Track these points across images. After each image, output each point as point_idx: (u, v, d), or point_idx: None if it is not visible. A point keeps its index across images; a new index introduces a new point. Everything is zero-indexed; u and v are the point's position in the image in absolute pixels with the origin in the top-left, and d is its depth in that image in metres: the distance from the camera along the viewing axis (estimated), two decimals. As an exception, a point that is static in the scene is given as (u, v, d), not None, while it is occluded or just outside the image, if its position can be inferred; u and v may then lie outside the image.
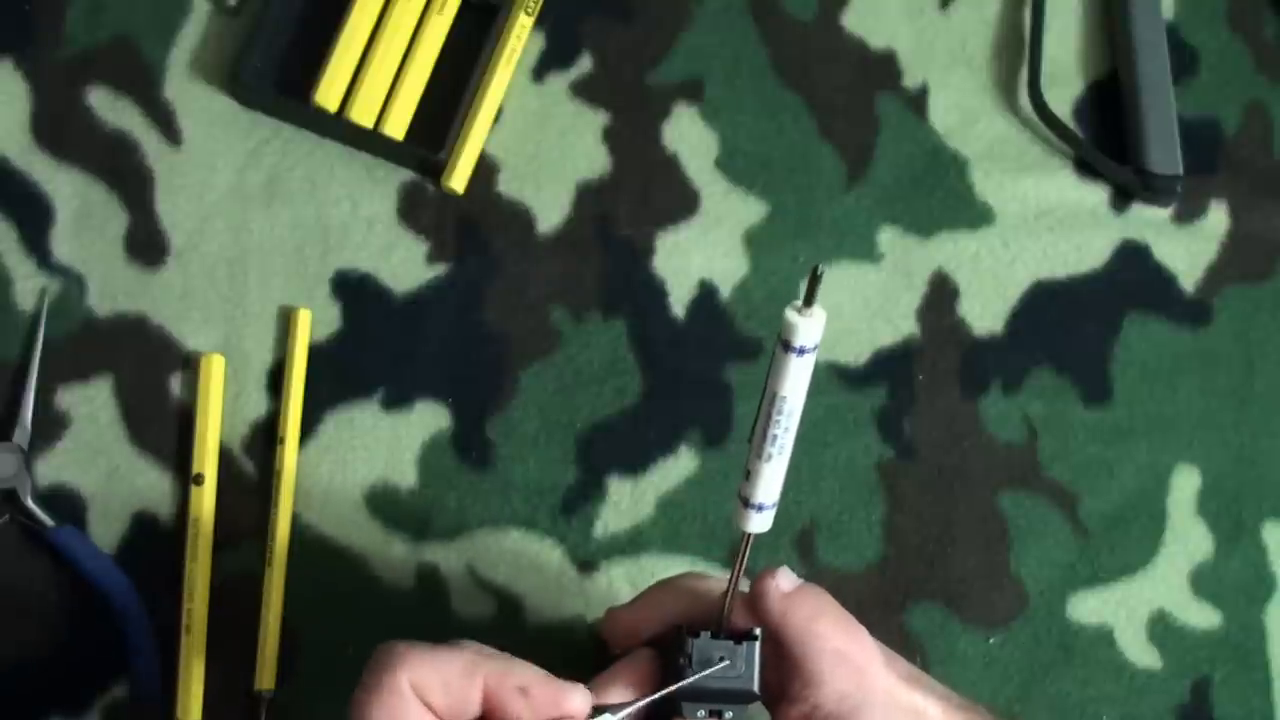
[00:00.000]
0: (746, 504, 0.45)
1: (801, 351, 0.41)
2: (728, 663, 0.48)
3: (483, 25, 0.64)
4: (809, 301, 0.41)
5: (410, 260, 0.63)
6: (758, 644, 0.48)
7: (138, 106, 0.64)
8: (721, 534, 0.62)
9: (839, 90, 0.66)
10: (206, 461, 0.60)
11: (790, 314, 0.41)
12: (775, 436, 0.43)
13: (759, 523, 0.45)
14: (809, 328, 0.41)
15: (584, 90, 0.65)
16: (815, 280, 0.40)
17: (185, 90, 0.64)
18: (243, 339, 0.62)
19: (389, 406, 0.62)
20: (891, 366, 0.63)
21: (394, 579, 0.60)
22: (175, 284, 0.63)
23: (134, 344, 0.62)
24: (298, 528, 0.61)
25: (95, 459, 0.61)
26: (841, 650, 0.47)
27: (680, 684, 0.47)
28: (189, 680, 0.59)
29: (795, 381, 0.42)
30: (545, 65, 0.65)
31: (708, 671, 0.47)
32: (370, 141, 0.63)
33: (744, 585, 0.49)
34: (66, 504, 0.60)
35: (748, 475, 0.44)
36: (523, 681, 0.44)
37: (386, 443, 0.62)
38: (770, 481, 0.44)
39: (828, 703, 0.47)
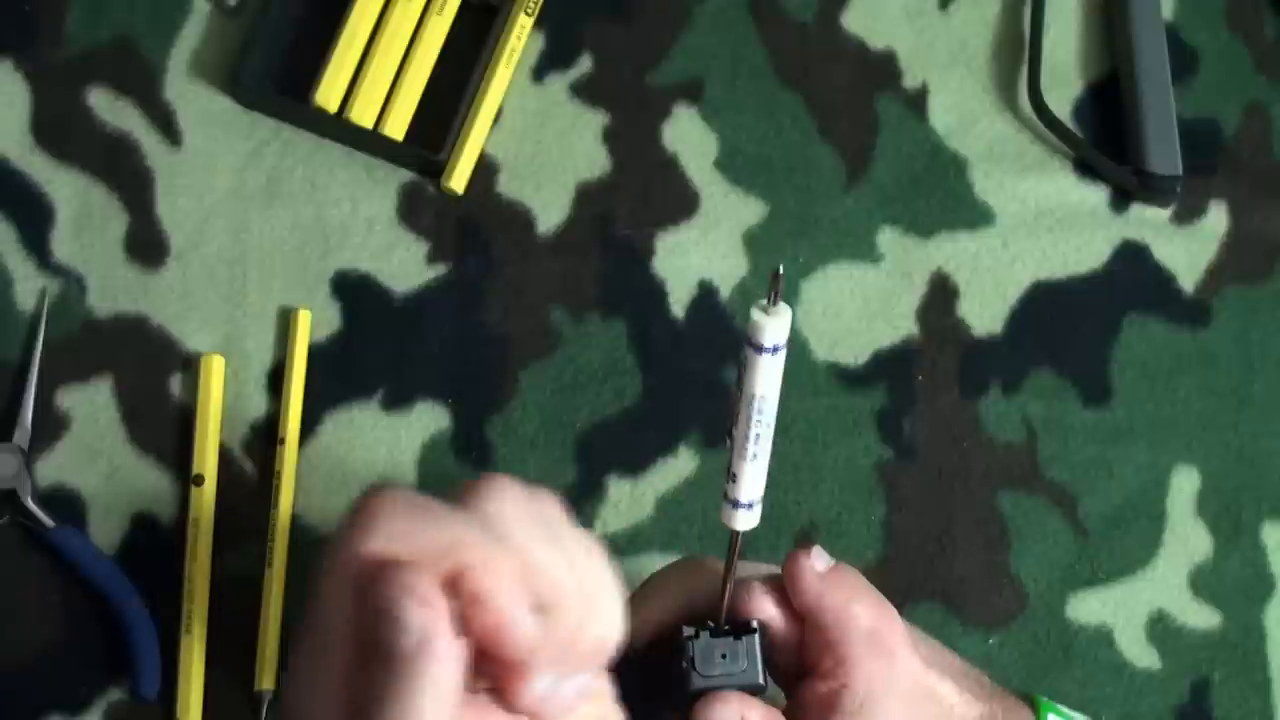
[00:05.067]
0: (735, 504, 0.45)
1: (775, 350, 0.42)
2: (730, 660, 0.48)
3: (482, 26, 0.64)
4: (773, 300, 0.41)
5: (410, 260, 0.63)
6: (757, 637, 0.48)
7: (138, 107, 0.64)
8: (721, 534, 0.61)
9: (839, 91, 0.66)
10: (206, 462, 0.60)
11: (757, 314, 0.41)
12: (758, 436, 0.44)
13: (747, 520, 0.46)
14: (776, 326, 0.41)
15: (584, 91, 0.65)
16: (777, 279, 0.41)
17: (185, 91, 0.64)
18: (243, 339, 0.62)
19: (389, 407, 0.62)
20: (891, 367, 0.63)
21: (394, 579, 0.60)
22: (175, 284, 0.63)
23: (134, 344, 0.62)
24: (298, 528, 0.61)
25: (95, 460, 0.61)
26: (874, 632, 0.48)
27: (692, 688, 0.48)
28: (189, 680, 0.59)
29: (770, 380, 0.43)
30: (545, 66, 0.65)
31: (713, 674, 0.48)
32: (370, 142, 0.63)
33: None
34: (67, 504, 0.60)
35: (733, 477, 0.45)
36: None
37: (386, 443, 0.62)
38: (755, 480, 0.45)
39: (856, 683, 0.47)
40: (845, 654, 0.48)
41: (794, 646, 0.49)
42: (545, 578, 0.37)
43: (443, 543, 0.35)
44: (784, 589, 0.49)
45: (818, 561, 0.49)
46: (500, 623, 0.35)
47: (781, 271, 0.41)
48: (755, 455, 0.44)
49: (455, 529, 0.36)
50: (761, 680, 0.48)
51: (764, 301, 0.42)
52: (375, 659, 0.34)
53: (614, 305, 0.63)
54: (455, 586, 0.35)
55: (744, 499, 0.45)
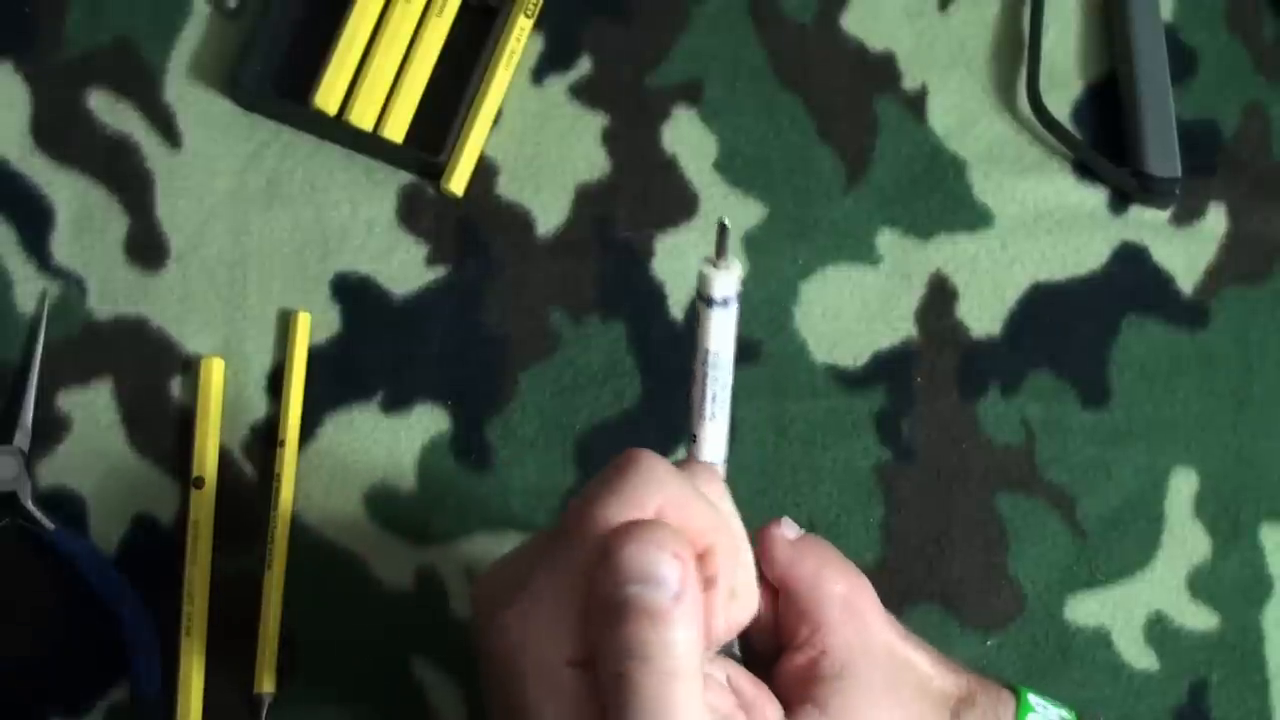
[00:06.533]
0: None
1: (725, 303, 0.42)
2: None
3: (482, 27, 0.64)
4: (720, 254, 0.42)
5: (410, 263, 0.63)
6: None
7: (138, 109, 0.64)
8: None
9: (838, 92, 0.66)
10: (206, 464, 0.61)
11: (705, 267, 0.42)
12: (715, 395, 0.45)
13: None
14: (725, 279, 0.42)
15: (583, 92, 0.65)
16: (723, 233, 0.42)
17: (185, 93, 0.64)
18: (243, 342, 0.62)
19: (388, 409, 0.62)
20: (890, 368, 0.63)
21: (393, 581, 0.61)
22: (175, 287, 0.63)
23: (134, 347, 0.62)
24: (297, 530, 0.61)
25: (95, 462, 0.61)
26: (847, 597, 0.48)
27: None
28: (189, 682, 0.59)
29: (722, 335, 0.43)
30: (545, 67, 0.65)
31: None
32: (370, 144, 0.63)
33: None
34: (67, 506, 0.61)
35: (693, 439, 0.45)
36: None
37: (386, 445, 0.62)
38: (716, 440, 0.46)
39: (834, 649, 0.47)
40: (820, 620, 0.47)
41: (769, 625, 0.49)
42: (745, 572, 0.42)
43: (702, 525, 0.40)
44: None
45: (788, 530, 0.49)
46: (716, 608, 0.41)
47: (728, 225, 0.41)
48: (714, 415, 0.45)
49: (709, 516, 0.41)
50: (736, 651, 0.48)
51: (712, 255, 0.42)
52: (620, 616, 0.38)
53: (613, 307, 0.63)
54: (699, 564, 0.40)
55: (706, 460, 0.46)
